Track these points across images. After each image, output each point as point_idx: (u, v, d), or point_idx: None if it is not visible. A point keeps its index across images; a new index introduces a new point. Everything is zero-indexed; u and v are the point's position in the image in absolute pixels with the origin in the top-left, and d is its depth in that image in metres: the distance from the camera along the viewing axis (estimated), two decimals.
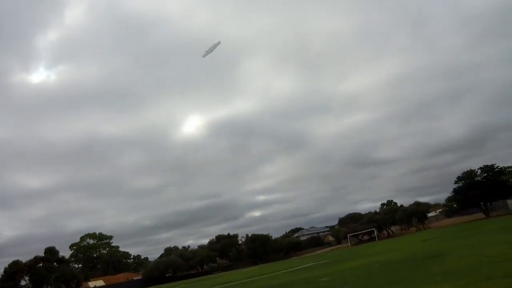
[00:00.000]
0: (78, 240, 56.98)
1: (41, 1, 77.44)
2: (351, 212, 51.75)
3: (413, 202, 41.22)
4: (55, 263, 39.56)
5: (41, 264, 38.41)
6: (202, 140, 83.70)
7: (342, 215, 52.60)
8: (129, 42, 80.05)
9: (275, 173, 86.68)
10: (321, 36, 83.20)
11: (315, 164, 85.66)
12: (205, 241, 58.37)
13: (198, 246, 50.62)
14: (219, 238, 49.29)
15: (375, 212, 45.94)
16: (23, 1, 76.84)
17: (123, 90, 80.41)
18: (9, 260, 41.24)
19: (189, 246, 53.41)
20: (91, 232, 57.69)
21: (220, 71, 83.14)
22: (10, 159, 76.73)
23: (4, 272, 37.45)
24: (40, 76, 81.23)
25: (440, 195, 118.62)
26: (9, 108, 77.08)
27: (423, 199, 43.19)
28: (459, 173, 35.27)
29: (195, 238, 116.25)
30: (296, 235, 58.68)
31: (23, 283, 38.72)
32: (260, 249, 45.66)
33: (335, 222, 55.54)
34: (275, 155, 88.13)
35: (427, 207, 41.03)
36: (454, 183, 35.44)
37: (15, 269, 37.40)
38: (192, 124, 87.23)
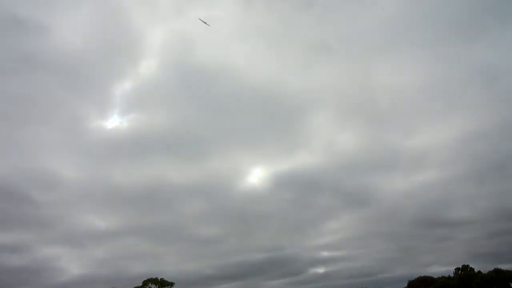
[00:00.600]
0: (140, 284, 57.71)
1: (120, 53, 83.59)
2: (422, 275, 48.26)
3: (493, 269, 37.99)
4: None
5: None
6: (265, 192, 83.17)
7: (412, 277, 49.19)
8: (197, 93, 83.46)
9: (340, 229, 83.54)
10: (388, 90, 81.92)
11: (382, 222, 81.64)
12: None
13: None
14: None
15: (449, 277, 42.57)
16: (104, 53, 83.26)
17: (190, 138, 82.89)
18: None
19: None
20: (153, 277, 58.30)
21: (285, 124, 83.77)
22: (81, 199, 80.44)
23: None
24: (114, 122, 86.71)
25: None
26: (84, 151, 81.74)
27: (504, 266, 39.42)
28: None
29: None
30: None
31: None
32: None
33: (404, 285, 51.87)
34: (339, 211, 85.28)
35: (509, 275, 37.36)
36: None
37: None
38: (256, 175, 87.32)
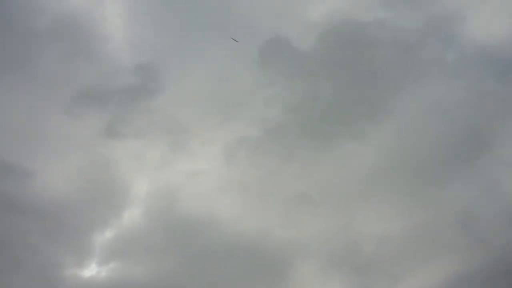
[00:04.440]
0: None
1: (104, 203, 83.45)
2: None
3: None
4: None
5: None
6: None
7: None
8: (180, 244, 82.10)
9: None
10: (370, 239, 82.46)
11: None
12: None
13: None
14: None
15: None
16: (87, 201, 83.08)
17: None
18: None
19: None
20: None
21: (270, 275, 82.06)
22: None
23: None
24: (91, 271, 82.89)
25: None
26: None
27: None
28: None
29: None
30: None
31: None
32: None
33: None
34: None
35: None
36: None
37: None
38: None
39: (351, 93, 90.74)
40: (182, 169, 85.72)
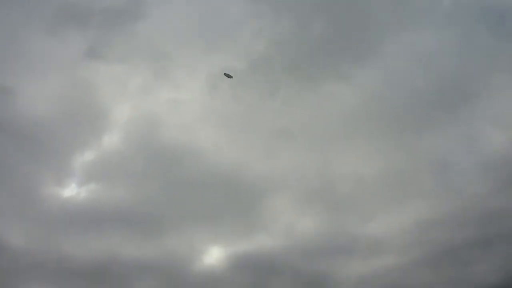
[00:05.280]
0: None
1: (84, 125, 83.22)
2: None
3: None
4: None
5: None
6: (222, 273, 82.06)
7: None
8: (159, 171, 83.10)
9: None
10: (346, 179, 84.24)
11: None
12: None
13: None
14: None
15: None
16: (67, 122, 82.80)
17: (147, 215, 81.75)
18: None
19: None
20: None
21: (246, 206, 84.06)
22: (29, 268, 76.62)
23: None
24: (71, 191, 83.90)
25: None
26: (36, 218, 78.77)
27: None
28: None
29: None
30: None
31: None
32: None
33: None
34: None
35: None
36: None
37: None
38: (213, 256, 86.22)
39: (340, 33, 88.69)
40: (164, 97, 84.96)
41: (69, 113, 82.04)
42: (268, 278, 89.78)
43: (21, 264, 77.41)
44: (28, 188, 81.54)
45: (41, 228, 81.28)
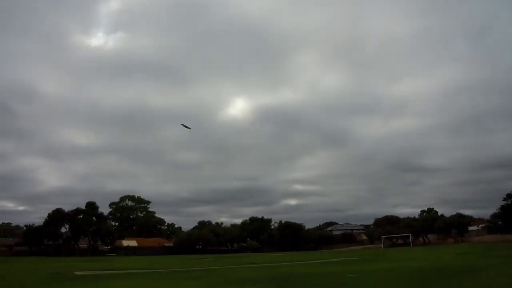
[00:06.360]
0: (117, 200, 59.46)
1: None
2: (388, 214, 50.63)
3: (455, 213, 40.06)
4: (94, 218, 41.63)
5: (81, 216, 40.55)
6: (245, 124, 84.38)
7: (379, 216, 51.63)
8: (186, 20, 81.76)
9: (315, 166, 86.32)
10: (376, 36, 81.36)
11: (356, 163, 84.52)
12: (238, 221, 59.23)
13: (231, 225, 51.46)
14: (253, 220, 49.90)
15: (414, 218, 44.86)
16: None
17: (174, 64, 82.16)
18: (53, 207, 43.70)
19: (222, 223, 54.36)
20: (131, 194, 60.01)
21: (272, 59, 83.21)
22: (61, 115, 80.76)
23: (48, 217, 39.82)
24: (98, 40, 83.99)
25: (484, 211, 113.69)
26: (66, 66, 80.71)
27: (465, 212, 41.64)
28: (508, 191, 34.80)
29: (229, 217, 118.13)
30: (329, 228, 58.40)
31: (63, 230, 41.04)
32: (291, 237, 45.86)
33: (370, 222, 54.66)
34: (316, 149, 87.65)
35: (469, 220, 39.52)
36: (503, 200, 35.03)
37: (58, 216, 39.78)
38: (237, 107, 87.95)
39: None
40: None
41: None
42: (290, 131, 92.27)
43: (55, 111, 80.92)
44: (56, 36, 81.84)
45: (71, 76, 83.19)
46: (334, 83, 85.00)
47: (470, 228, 39.96)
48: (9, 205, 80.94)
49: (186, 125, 14.87)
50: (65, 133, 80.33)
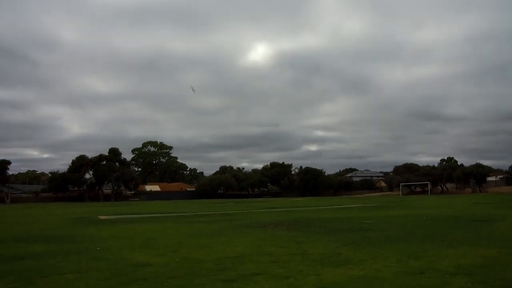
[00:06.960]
0: (140, 146, 60.81)
1: None
2: (408, 162, 50.76)
3: (474, 163, 39.95)
4: (117, 163, 42.90)
5: (104, 162, 41.83)
6: (266, 70, 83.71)
7: (399, 164, 51.86)
8: None
9: (336, 112, 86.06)
10: None
11: (377, 110, 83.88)
12: (259, 166, 60.34)
13: (252, 170, 52.63)
14: (273, 165, 50.69)
15: (433, 167, 44.93)
16: None
17: (194, 9, 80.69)
18: (76, 154, 45.14)
19: (243, 168, 55.61)
20: (153, 140, 61.23)
21: (293, 3, 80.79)
22: (81, 62, 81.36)
23: (72, 164, 41.22)
24: None
25: (504, 161, 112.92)
26: (84, 13, 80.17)
27: (485, 162, 41.58)
28: None
29: (250, 162, 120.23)
30: (349, 175, 59.08)
31: (87, 176, 42.55)
32: (311, 182, 46.67)
33: (390, 169, 55.09)
34: (337, 95, 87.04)
35: (488, 170, 39.49)
36: None
37: (81, 163, 41.14)
38: (258, 52, 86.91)
39: None
40: None
41: None
42: (311, 76, 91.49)
43: (75, 59, 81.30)
44: None
45: (91, 24, 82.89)
46: (356, 28, 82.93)
47: (489, 178, 40.02)
48: (34, 153, 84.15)
49: (193, 88, 14.97)
50: (86, 81, 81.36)
